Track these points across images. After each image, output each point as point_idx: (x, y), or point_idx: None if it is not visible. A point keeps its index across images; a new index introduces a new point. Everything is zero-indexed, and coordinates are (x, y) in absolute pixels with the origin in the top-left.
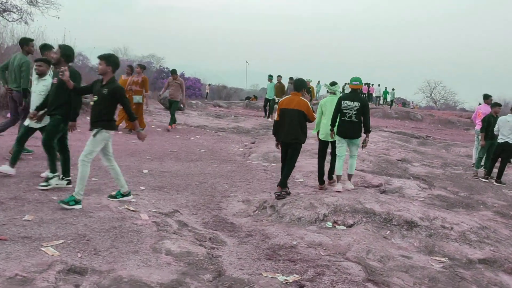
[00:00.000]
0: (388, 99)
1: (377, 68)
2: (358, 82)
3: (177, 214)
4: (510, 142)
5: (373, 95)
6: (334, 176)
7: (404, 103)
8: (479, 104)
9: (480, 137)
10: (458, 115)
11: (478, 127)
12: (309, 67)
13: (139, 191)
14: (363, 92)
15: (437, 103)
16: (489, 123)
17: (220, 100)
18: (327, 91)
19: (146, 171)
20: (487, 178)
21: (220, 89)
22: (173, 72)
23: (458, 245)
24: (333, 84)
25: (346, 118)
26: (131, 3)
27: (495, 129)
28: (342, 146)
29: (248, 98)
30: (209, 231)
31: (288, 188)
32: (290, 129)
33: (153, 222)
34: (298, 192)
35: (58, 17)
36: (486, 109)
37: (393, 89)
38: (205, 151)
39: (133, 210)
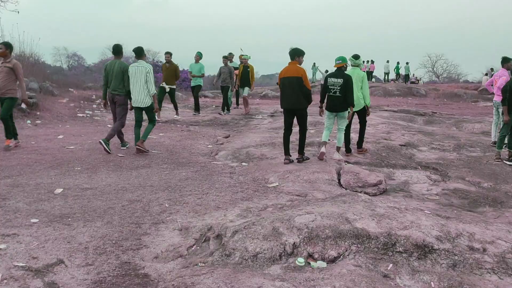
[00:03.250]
0: (402, 73)
1: (371, 45)
2: (340, 61)
3: (58, 267)
4: None
5: (377, 72)
6: (322, 145)
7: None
8: (486, 74)
9: (500, 111)
10: (464, 87)
11: (497, 98)
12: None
13: (26, 227)
14: (363, 70)
15: (440, 77)
16: (511, 92)
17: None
18: (351, 65)
19: (60, 190)
20: None
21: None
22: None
23: (498, 278)
24: (357, 57)
25: (331, 93)
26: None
27: None
28: (329, 120)
29: None
30: None
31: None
32: (291, 96)
33: None
34: (266, 205)
35: (18, 11)
36: (501, 75)
37: (407, 63)
38: (161, 153)
39: None
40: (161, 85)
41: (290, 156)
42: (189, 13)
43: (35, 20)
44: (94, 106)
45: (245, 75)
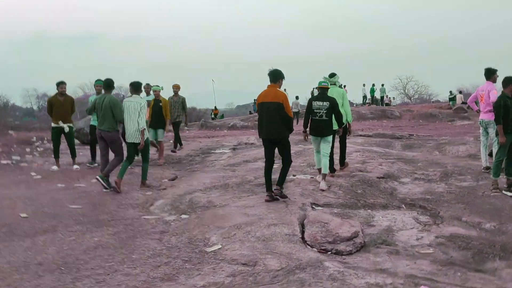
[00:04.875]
0: (378, 96)
1: (346, 70)
2: (326, 83)
3: None
4: None
5: (350, 96)
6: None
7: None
8: (460, 92)
9: (490, 131)
10: (438, 107)
11: (485, 116)
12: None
13: None
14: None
15: (412, 98)
16: (506, 108)
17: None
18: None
19: None
20: None
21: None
22: None
23: None
24: (332, 75)
25: (317, 118)
26: (97, 39)
27: None
28: (315, 144)
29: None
30: None
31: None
32: (270, 124)
33: None
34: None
35: None
36: (491, 90)
37: (382, 85)
38: (81, 208)
39: None
40: (54, 125)
41: (273, 192)
42: (163, 49)
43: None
44: (28, 149)
45: (157, 113)
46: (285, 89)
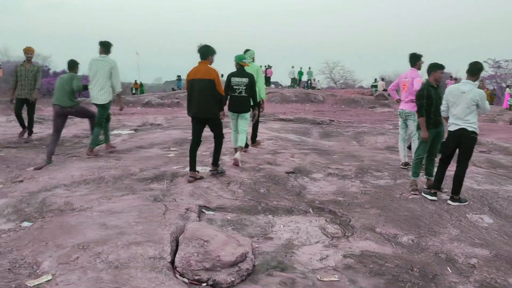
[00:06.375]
0: (305, 79)
1: (274, 53)
2: (246, 60)
3: None
4: (469, 129)
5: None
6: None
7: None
8: (382, 79)
9: (411, 124)
10: (361, 93)
11: (406, 106)
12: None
13: None
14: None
15: (337, 83)
16: (430, 99)
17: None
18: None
19: None
20: (435, 194)
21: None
22: None
23: None
24: (246, 51)
25: (236, 94)
26: (16, 3)
27: (442, 107)
28: (234, 121)
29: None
30: None
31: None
32: (201, 102)
33: None
34: None
35: None
36: (415, 77)
37: (309, 68)
38: None
39: None
40: None
41: (197, 172)
42: (87, 17)
43: None
44: None
45: None
46: (268, 66)
